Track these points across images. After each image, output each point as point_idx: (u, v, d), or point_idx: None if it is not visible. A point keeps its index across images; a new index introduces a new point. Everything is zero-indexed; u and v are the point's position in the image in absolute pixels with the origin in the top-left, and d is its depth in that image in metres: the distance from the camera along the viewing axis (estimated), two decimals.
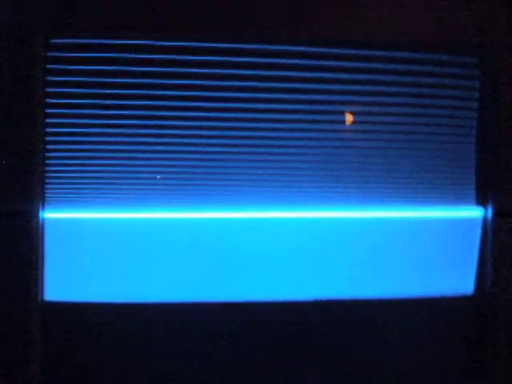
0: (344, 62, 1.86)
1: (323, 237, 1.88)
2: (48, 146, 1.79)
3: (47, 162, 1.79)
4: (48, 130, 1.78)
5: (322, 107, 1.87)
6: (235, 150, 1.85)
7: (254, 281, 1.86)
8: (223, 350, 1.87)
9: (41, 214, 1.78)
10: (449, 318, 1.94)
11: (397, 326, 1.92)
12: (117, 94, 1.80)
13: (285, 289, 1.87)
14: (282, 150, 1.86)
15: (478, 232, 1.94)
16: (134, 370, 1.84)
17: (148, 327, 1.83)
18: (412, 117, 1.91)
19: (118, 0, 1.74)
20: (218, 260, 1.85)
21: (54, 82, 1.78)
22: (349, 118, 1.89)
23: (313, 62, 1.85)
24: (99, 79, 1.79)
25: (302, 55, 1.84)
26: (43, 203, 1.79)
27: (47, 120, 1.78)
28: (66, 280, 1.80)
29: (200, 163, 1.84)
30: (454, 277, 1.94)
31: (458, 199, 1.95)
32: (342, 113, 1.89)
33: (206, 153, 1.84)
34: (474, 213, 1.94)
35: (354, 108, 1.89)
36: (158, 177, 1.83)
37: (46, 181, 1.79)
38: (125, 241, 1.82)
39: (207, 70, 1.82)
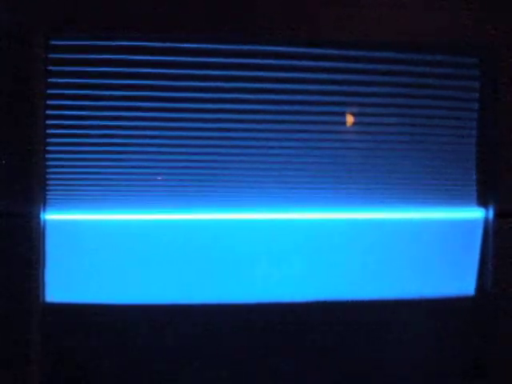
0: (343, 62, 1.86)
1: (323, 238, 1.88)
2: (48, 147, 1.79)
3: (48, 163, 1.79)
4: (48, 131, 1.79)
5: (321, 108, 1.87)
6: (234, 151, 1.85)
7: (253, 281, 1.86)
8: (222, 350, 1.87)
9: (41, 216, 1.78)
10: (449, 318, 1.93)
11: (398, 326, 1.92)
12: (117, 95, 1.80)
13: (284, 289, 1.87)
14: (282, 152, 1.86)
15: (479, 233, 1.94)
16: (134, 370, 1.85)
17: (147, 328, 1.84)
18: (412, 117, 1.91)
19: (118, 0, 1.74)
20: (218, 260, 1.85)
21: (54, 82, 1.78)
22: (348, 118, 1.89)
23: (313, 62, 1.85)
24: (99, 80, 1.79)
25: (302, 56, 1.84)
26: (44, 204, 1.79)
27: (48, 121, 1.78)
28: (65, 281, 1.81)
29: (198, 164, 1.84)
30: (455, 277, 1.94)
31: (459, 200, 1.94)
32: (341, 114, 1.89)
33: (205, 154, 1.84)
34: (475, 214, 1.94)
35: (353, 109, 1.89)
36: (159, 178, 1.84)
37: (47, 182, 1.80)
38: (125, 242, 1.82)
39: (207, 72, 1.82)
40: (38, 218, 1.77)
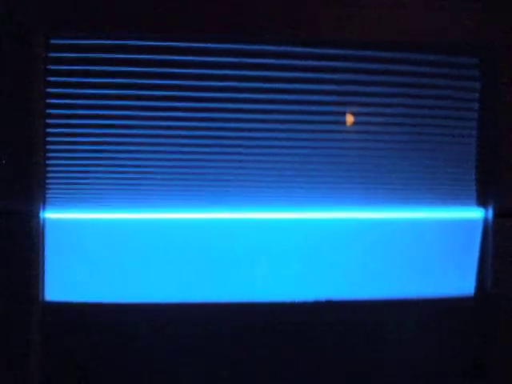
0: (343, 62, 1.86)
1: (323, 238, 1.88)
2: (48, 146, 1.79)
3: (48, 162, 1.79)
4: (48, 130, 1.78)
5: (321, 108, 1.87)
6: (233, 150, 1.85)
7: (253, 281, 1.86)
8: (222, 350, 1.87)
9: (41, 214, 1.78)
10: (449, 318, 1.93)
11: (397, 326, 1.91)
12: (117, 94, 1.80)
13: (284, 289, 1.87)
14: (282, 151, 1.86)
15: (479, 233, 1.94)
16: (134, 370, 1.84)
17: (148, 327, 1.83)
18: (411, 117, 1.90)
19: (118, 0, 1.74)
20: (218, 260, 1.85)
21: (54, 81, 1.78)
22: (347, 118, 1.89)
23: (312, 62, 1.85)
24: (99, 80, 1.79)
25: (302, 55, 1.84)
26: (44, 203, 1.79)
27: (47, 120, 1.78)
28: (65, 280, 1.80)
29: (198, 164, 1.84)
30: (455, 277, 1.94)
31: (459, 200, 1.94)
32: (341, 113, 1.89)
33: (204, 154, 1.84)
34: (475, 213, 1.94)
35: (352, 108, 1.89)
36: (159, 177, 1.84)
37: (47, 181, 1.79)
38: (125, 241, 1.82)
39: (208, 71, 1.82)
40: (38, 216, 1.76)
